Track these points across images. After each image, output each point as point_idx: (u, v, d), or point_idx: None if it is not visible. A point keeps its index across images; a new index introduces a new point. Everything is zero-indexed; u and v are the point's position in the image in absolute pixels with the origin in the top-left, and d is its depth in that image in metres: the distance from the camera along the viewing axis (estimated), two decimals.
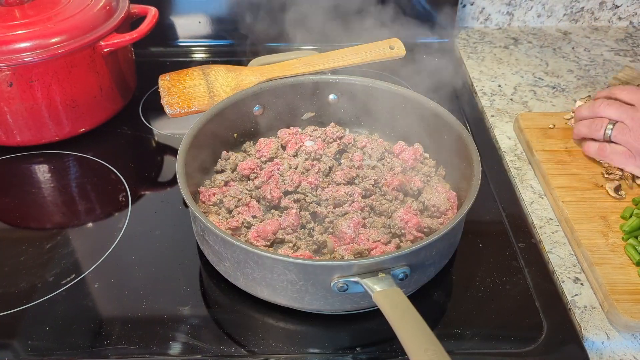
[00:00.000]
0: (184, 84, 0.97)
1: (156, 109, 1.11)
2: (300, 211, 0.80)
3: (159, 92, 0.96)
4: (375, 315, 0.61)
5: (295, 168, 0.86)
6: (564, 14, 1.38)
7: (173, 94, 0.96)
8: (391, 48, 1.02)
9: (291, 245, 0.76)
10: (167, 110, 0.95)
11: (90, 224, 0.88)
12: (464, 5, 1.35)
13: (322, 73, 0.97)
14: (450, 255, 0.77)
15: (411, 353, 0.54)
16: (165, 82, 0.97)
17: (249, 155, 0.91)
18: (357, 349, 0.69)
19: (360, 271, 0.64)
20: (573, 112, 1.00)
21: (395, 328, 0.58)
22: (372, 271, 0.64)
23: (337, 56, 1.01)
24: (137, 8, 1.06)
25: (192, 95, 0.96)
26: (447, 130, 0.85)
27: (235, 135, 0.93)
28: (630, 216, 0.82)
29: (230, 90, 0.96)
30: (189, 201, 0.71)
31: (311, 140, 0.92)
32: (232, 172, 0.88)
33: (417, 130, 0.91)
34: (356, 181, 0.85)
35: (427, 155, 0.91)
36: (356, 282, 0.64)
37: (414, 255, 0.66)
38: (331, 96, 0.96)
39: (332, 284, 0.65)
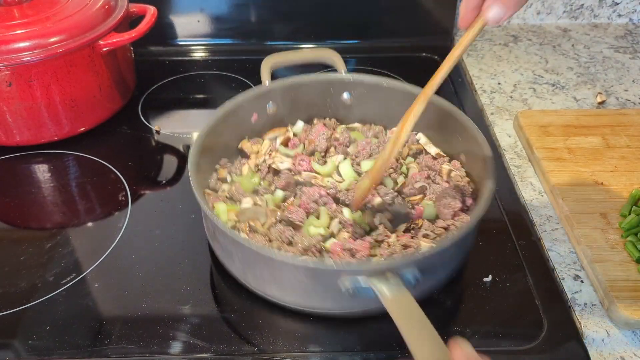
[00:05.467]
0: None
1: (155, 108, 1.12)
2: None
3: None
4: (384, 317, 0.60)
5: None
6: (564, 11, 1.37)
7: None
8: None
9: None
10: None
11: (90, 224, 0.88)
12: None
13: (335, 71, 0.96)
14: (463, 260, 0.76)
15: None
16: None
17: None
18: (365, 350, 0.69)
19: (371, 274, 0.63)
20: None
21: (404, 334, 0.56)
22: (382, 274, 0.63)
23: None
24: (135, 7, 1.06)
25: None
26: (460, 131, 0.85)
27: (245, 137, 0.92)
28: (629, 213, 0.82)
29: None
30: (201, 201, 0.71)
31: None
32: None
33: (429, 131, 0.91)
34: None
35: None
36: (366, 286, 0.63)
37: (426, 260, 0.65)
38: (345, 95, 0.96)
39: (341, 286, 0.64)
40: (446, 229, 0.76)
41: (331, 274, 0.65)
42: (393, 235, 0.76)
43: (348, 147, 0.90)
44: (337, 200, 0.81)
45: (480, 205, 0.71)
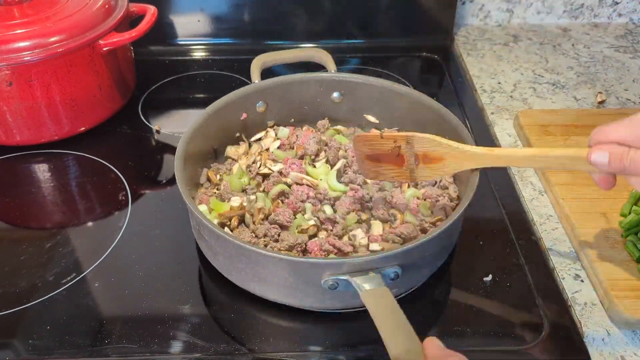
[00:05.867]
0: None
1: (155, 107, 1.12)
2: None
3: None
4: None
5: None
6: (564, 11, 1.37)
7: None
8: None
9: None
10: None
11: (90, 223, 0.88)
12: (464, 3, 1.35)
13: (326, 70, 0.96)
14: (444, 257, 0.76)
15: (392, 354, 0.54)
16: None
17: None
18: (356, 346, 0.69)
19: (350, 269, 0.64)
20: None
21: (379, 328, 0.57)
22: (362, 270, 0.64)
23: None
24: (136, 7, 1.06)
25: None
26: (449, 132, 0.84)
27: (237, 135, 0.93)
28: (629, 213, 0.82)
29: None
30: (185, 195, 0.71)
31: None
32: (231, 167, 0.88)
33: (419, 130, 0.91)
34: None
35: None
36: (346, 281, 0.64)
37: (406, 256, 0.66)
38: (335, 94, 0.96)
39: (322, 281, 0.65)
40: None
41: (311, 268, 0.65)
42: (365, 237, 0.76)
43: (339, 150, 0.90)
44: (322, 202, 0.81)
45: (462, 202, 0.71)
